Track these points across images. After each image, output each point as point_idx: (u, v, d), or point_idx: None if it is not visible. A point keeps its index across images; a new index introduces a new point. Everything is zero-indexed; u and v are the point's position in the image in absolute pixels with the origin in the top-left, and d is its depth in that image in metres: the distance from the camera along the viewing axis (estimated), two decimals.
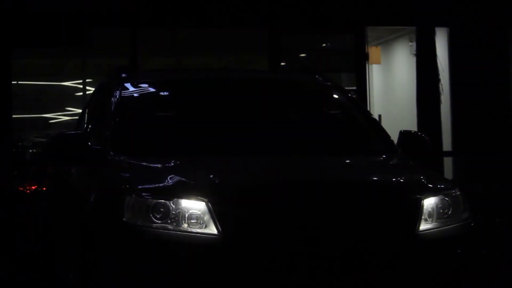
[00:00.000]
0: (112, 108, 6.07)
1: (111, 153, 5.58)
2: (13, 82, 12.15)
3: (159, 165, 5.39)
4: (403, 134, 6.08)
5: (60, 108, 13.90)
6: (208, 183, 4.99)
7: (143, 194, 4.91)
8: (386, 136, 6.09)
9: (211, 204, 4.77)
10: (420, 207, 4.99)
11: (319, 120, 6.45)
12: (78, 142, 5.66)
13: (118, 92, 6.21)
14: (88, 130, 6.83)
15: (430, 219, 5.01)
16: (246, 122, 6.02)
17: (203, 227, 4.76)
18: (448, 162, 12.74)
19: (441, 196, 5.11)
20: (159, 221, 4.80)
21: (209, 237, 4.73)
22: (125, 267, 4.85)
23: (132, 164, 5.47)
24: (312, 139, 5.97)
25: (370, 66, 13.66)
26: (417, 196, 5.04)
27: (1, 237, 9.59)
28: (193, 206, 4.79)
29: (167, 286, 4.75)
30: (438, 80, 11.49)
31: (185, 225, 4.77)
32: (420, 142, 6.10)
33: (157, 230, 4.78)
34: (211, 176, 5.11)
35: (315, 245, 4.75)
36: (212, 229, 4.74)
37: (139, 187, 4.98)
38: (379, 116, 13.31)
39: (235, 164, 5.44)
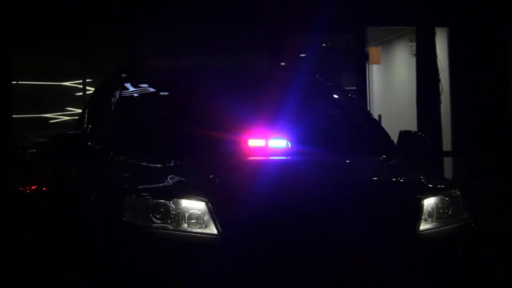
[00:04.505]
0: (112, 108, 6.07)
1: (111, 153, 5.58)
2: (13, 82, 12.15)
3: (159, 165, 5.39)
4: (403, 134, 6.09)
5: (60, 108, 13.89)
6: (208, 183, 4.99)
7: (143, 194, 4.90)
8: (386, 136, 6.09)
9: (211, 204, 4.77)
10: (420, 207, 4.99)
11: (319, 120, 6.44)
12: (78, 142, 5.65)
13: (118, 92, 6.22)
14: (88, 130, 6.83)
15: (430, 219, 5.01)
16: (247, 122, 6.02)
17: (203, 227, 4.76)
18: (448, 162, 12.74)
19: (441, 196, 5.11)
20: (159, 221, 4.79)
21: (209, 237, 4.73)
22: (125, 267, 4.85)
23: (132, 164, 5.47)
24: (312, 139, 5.97)
25: (370, 66, 13.67)
26: (417, 196, 5.04)
27: (1, 237, 9.57)
28: (193, 206, 4.78)
29: (167, 286, 4.75)
30: (438, 80, 11.48)
31: (185, 225, 4.77)
32: (420, 142, 6.10)
33: (157, 230, 4.78)
34: (211, 176, 5.11)
35: (315, 245, 4.75)
36: (212, 229, 4.74)
37: (139, 187, 4.98)
38: (379, 116, 13.32)
39: (235, 164, 5.44)
